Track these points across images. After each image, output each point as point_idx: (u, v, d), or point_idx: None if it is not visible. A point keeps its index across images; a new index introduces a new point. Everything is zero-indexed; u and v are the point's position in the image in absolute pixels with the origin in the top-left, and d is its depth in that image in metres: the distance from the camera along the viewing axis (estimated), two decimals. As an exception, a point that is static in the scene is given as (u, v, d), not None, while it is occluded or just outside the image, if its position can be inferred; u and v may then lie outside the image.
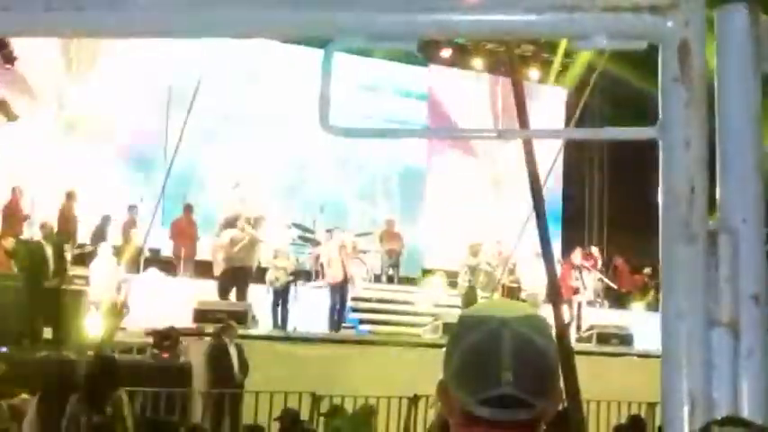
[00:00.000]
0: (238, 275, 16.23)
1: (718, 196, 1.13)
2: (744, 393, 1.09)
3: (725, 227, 1.09)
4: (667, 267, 1.08)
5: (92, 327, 14.28)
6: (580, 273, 19.50)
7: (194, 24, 1.22)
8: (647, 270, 21.41)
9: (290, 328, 16.19)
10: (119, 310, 14.91)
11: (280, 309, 16.32)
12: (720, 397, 1.07)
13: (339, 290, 16.85)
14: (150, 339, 14.04)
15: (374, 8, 1.16)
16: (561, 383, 1.67)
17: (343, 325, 17.33)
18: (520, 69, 7.19)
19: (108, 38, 1.26)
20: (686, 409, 1.06)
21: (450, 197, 23.64)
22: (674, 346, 1.07)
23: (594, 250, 21.50)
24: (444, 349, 1.67)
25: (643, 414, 14.37)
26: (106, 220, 17.68)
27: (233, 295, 16.23)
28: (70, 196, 17.14)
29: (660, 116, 1.11)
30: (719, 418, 1.11)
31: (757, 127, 1.13)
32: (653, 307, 20.54)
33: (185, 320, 14.71)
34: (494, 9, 1.16)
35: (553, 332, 1.75)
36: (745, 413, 1.09)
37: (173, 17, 1.20)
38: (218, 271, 16.68)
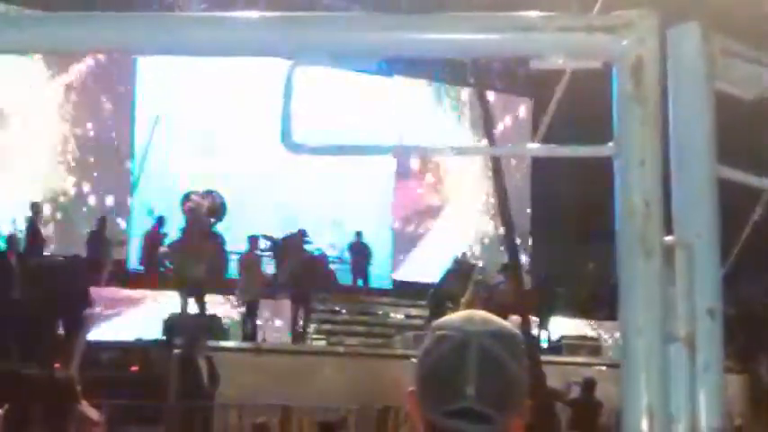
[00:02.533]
0: (194, 285, 15.87)
1: (673, 212, 1.15)
2: (702, 406, 1.11)
3: (680, 242, 1.10)
4: (625, 283, 1.10)
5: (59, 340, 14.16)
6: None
7: (154, 43, 1.23)
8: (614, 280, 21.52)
9: (259, 339, 16.13)
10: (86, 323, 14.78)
11: (249, 320, 16.25)
12: (678, 410, 1.09)
13: (302, 302, 16.74)
14: (119, 352, 13.95)
15: (336, 27, 1.17)
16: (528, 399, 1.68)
17: (313, 337, 17.30)
18: (486, 82, 7.24)
19: (72, 52, 1.27)
20: (645, 423, 1.08)
21: (417, 208, 23.71)
22: (632, 360, 1.09)
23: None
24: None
25: (612, 423, 14.47)
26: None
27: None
28: (36, 209, 16.94)
29: (615, 134, 1.13)
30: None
31: (710, 143, 1.15)
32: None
33: (154, 333, 14.62)
34: (451, 29, 1.17)
35: (524, 345, 1.76)
36: (703, 425, 1.11)
37: (130, 35, 1.21)
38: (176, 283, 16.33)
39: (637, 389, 1.11)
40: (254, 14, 1.22)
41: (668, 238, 1.14)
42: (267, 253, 17.73)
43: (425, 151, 1.54)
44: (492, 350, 1.62)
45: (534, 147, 1.23)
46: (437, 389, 1.63)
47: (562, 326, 19.52)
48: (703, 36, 1.16)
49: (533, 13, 1.17)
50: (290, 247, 17.45)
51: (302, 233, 17.68)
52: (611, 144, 1.15)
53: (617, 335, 16.88)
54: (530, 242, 23.27)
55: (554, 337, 18.64)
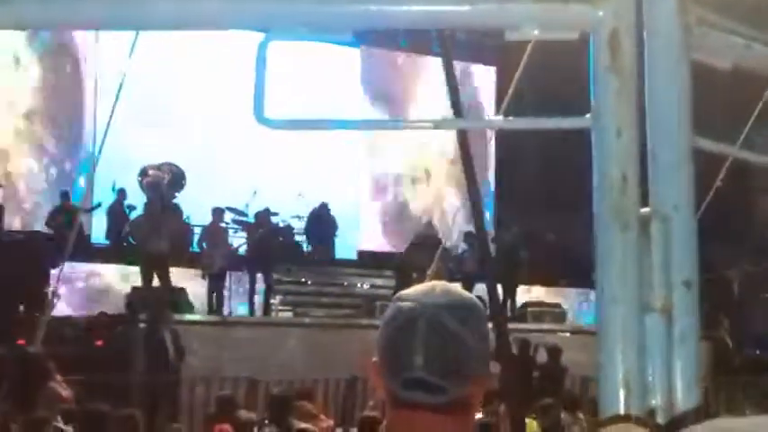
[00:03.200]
0: (156, 259, 15.62)
1: (649, 184, 1.15)
2: (677, 376, 1.12)
3: (657, 214, 1.11)
4: (601, 254, 1.10)
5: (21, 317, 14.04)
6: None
7: (122, 17, 1.21)
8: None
9: (224, 312, 16.08)
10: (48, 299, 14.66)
11: (214, 293, 16.19)
12: (654, 380, 1.10)
13: (262, 273, 16.66)
14: (83, 327, 13.86)
15: (308, 1, 1.16)
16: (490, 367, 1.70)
17: (279, 308, 17.26)
18: (451, 50, 7.21)
19: (32, 28, 1.23)
20: (622, 393, 1.09)
21: (383, 179, 23.69)
22: (609, 331, 1.09)
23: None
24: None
25: (577, 389, 14.64)
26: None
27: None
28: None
29: (592, 105, 1.13)
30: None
31: (687, 114, 1.15)
32: (587, 284, 20.87)
33: (118, 307, 14.54)
34: (425, 0, 1.16)
35: (484, 315, 1.78)
36: (679, 395, 1.12)
37: (99, 8, 1.18)
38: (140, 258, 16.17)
39: (613, 358, 1.12)
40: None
41: (644, 210, 1.14)
42: (233, 225, 17.64)
43: (398, 125, 1.53)
44: (442, 320, 1.64)
45: (511, 120, 1.22)
46: (392, 359, 1.66)
47: (526, 293, 19.67)
48: (679, 6, 1.15)
49: (508, -16, 1.16)
50: (258, 219, 17.39)
51: (268, 211, 17.63)
52: (587, 116, 1.14)
53: (579, 301, 17.09)
54: (493, 211, 23.31)
55: (518, 305, 18.76)
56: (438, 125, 1.63)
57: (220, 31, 1.24)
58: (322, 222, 20.38)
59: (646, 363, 1.12)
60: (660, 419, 1.12)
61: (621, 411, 1.10)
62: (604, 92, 1.13)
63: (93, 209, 17.65)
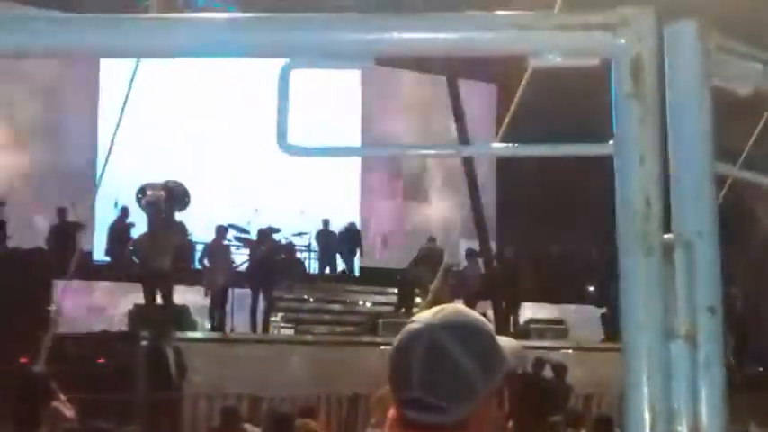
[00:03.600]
0: (158, 276, 15.66)
1: (672, 209, 1.16)
2: (702, 403, 1.12)
3: (680, 240, 1.11)
4: (625, 280, 1.10)
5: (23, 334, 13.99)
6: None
7: (136, 45, 1.21)
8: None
9: (226, 329, 16.06)
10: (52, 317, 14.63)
11: (216, 310, 16.17)
12: (680, 407, 1.10)
13: (263, 290, 16.62)
14: (85, 344, 13.84)
15: (329, 28, 1.17)
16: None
17: (281, 326, 17.24)
18: (455, 70, 7.23)
19: (43, 56, 1.24)
20: (647, 420, 1.09)
21: (382, 194, 23.72)
22: (634, 358, 1.09)
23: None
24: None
25: (580, 406, 14.61)
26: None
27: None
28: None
29: (614, 132, 1.13)
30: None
31: (709, 141, 1.16)
32: (586, 301, 20.85)
33: (121, 324, 14.53)
34: (447, 27, 1.17)
35: (493, 336, 1.78)
36: (704, 421, 1.12)
37: (114, 38, 1.19)
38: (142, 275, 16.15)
39: (639, 384, 1.12)
40: (245, 15, 1.20)
41: (668, 236, 1.15)
42: (236, 243, 17.66)
43: (421, 151, 1.53)
44: (441, 341, 1.66)
45: (532, 147, 1.22)
46: (395, 379, 1.70)
47: (529, 310, 19.64)
48: (700, 33, 1.16)
49: (530, 12, 1.17)
50: (260, 236, 17.40)
51: (271, 229, 17.64)
52: (610, 143, 1.15)
53: (582, 317, 17.06)
54: (495, 228, 23.33)
55: (521, 321, 18.73)
56: (460, 152, 1.64)
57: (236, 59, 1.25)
58: (325, 239, 20.41)
59: (671, 388, 1.12)
60: (685, 445, 1.12)
61: (648, 438, 1.10)
62: (627, 119, 1.14)
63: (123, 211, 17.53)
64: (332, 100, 21.91)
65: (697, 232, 1.13)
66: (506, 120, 7.73)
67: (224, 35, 1.17)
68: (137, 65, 7.94)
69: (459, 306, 1.85)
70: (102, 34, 1.19)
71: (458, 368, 1.66)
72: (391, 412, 1.76)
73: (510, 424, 9.62)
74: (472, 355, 1.67)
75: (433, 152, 1.42)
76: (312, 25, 1.17)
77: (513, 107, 7.46)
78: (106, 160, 9.46)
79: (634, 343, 1.11)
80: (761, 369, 18.42)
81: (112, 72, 18.98)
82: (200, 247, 17.48)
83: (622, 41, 1.13)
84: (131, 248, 16.12)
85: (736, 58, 1.22)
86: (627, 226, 1.12)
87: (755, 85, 1.24)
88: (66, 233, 16.88)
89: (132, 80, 8.11)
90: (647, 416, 1.09)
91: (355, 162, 23.14)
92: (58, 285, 15.21)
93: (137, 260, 15.77)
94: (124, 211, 17.97)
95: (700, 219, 1.13)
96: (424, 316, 1.77)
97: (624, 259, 1.12)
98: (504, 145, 1.59)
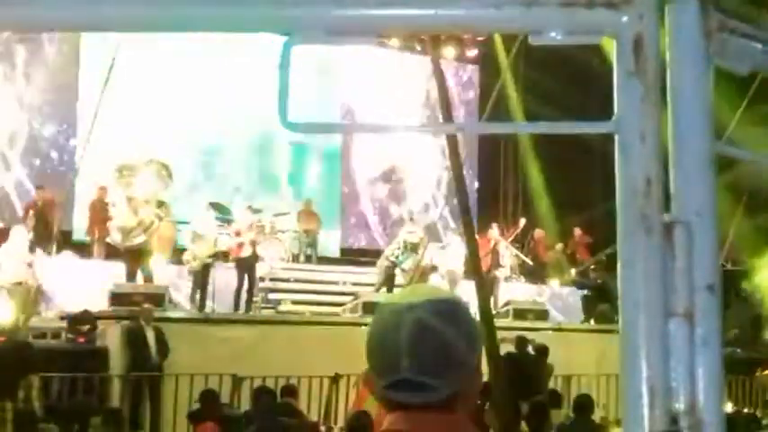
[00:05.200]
0: (138, 254, 15.60)
1: (672, 189, 1.16)
2: (700, 380, 1.13)
3: (680, 219, 1.11)
4: (625, 259, 1.10)
5: (3, 312, 13.94)
6: (496, 247, 19.72)
7: (137, 19, 1.20)
8: (559, 246, 21.78)
9: (207, 309, 16.03)
10: (33, 295, 14.57)
11: (198, 290, 16.13)
12: (678, 384, 1.11)
13: (247, 269, 16.59)
14: (65, 323, 13.79)
15: (332, 4, 1.15)
16: (477, 364, 1.71)
17: (262, 305, 17.22)
18: (438, 52, 7.21)
19: (42, 31, 1.22)
20: (645, 397, 1.09)
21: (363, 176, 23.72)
22: (632, 335, 1.10)
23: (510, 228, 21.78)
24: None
25: (559, 387, 14.70)
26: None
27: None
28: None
29: (615, 110, 1.13)
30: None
31: (709, 120, 1.16)
32: (567, 283, 20.96)
33: (101, 304, 14.46)
34: (451, 4, 1.16)
35: (471, 312, 1.79)
36: (701, 399, 1.13)
37: (111, 11, 1.17)
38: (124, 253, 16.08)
39: (637, 363, 1.12)
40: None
41: (667, 216, 1.15)
42: (219, 221, 17.59)
43: (421, 129, 1.52)
44: (424, 319, 1.66)
45: (532, 124, 1.21)
46: (380, 362, 1.68)
47: (509, 291, 19.72)
48: (701, 12, 1.16)
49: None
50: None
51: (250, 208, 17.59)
52: (611, 121, 1.15)
53: (560, 299, 17.12)
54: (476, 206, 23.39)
55: (501, 303, 18.79)
56: (462, 129, 1.63)
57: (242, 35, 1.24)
58: (304, 220, 20.38)
59: (669, 367, 1.12)
60: (683, 423, 1.12)
61: (646, 415, 1.11)
62: (629, 97, 1.14)
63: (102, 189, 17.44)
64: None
65: (696, 212, 1.13)
66: (491, 99, 7.71)
67: (225, 9, 1.16)
68: (111, 66, 7.74)
69: (432, 285, 1.86)
70: (87, 6, 1.17)
71: (447, 346, 1.66)
72: (361, 391, 1.77)
73: (487, 404, 9.66)
74: (458, 331, 1.68)
75: (430, 129, 1.41)
76: (315, 0, 1.16)
77: (495, 88, 7.46)
78: (88, 136, 9.38)
79: (633, 321, 1.11)
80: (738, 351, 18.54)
81: (94, 51, 18.87)
82: (180, 226, 17.41)
83: (624, 19, 1.13)
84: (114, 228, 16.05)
85: (736, 38, 1.22)
86: (627, 205, 1.12)
87: (754, 65, 1.25)
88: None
89: (114, 59, 7.98)
90: (645, 394, 1.10)
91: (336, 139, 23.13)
92: (40, 263, 15.19)
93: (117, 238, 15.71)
94: (102, 190, 17.83)
95: (699, 198, 1.14)
96: (398, 297, 1.77)
97: (624, 238, 1.13)
98: (505, 123, 1.58)
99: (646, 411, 1.11)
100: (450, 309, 1.70)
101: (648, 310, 1.12)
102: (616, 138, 1.14)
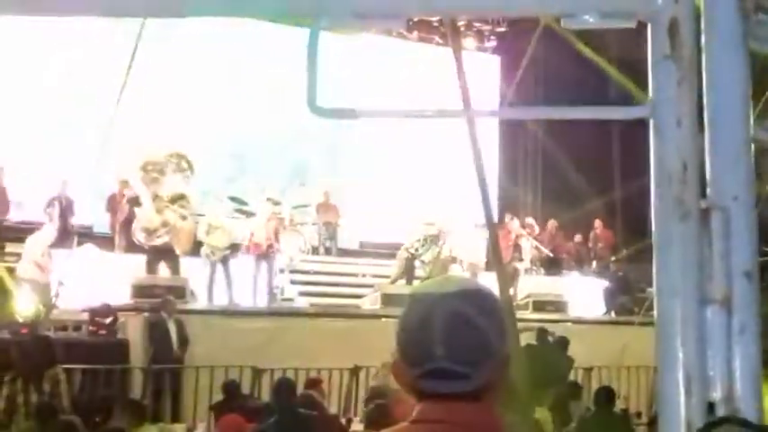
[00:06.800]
0: (163, 252, 15.74)
1: (708, 174, 1.14)
2: (737, 369, 1.11)
3: (717, 204, 1.09)
4: (661, 245, 1.08)
5: (25, 305, 14.01)
6: (517, 241, 19.66)
7: (164, 3, 1.19)
8: (578, 238, 21.69)
9: (227, 301, 16.04)
10: (54, 289, 14.64)
11: (217, 283, 16.14)
12: (715, 373, 1.09)
13: (265, 261, 16.60)
14: (87, 316, 13.84)
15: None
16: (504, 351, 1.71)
17: (282, 297, 17.23)
18: (458, 41, 7.17)
19: (64, 16, 1.21)
20: (682, 385, 1.07)
21: (386, 170, 23.67)
22: (668, 323, 1.08)
23: (530, 219, 21.69)
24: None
25: (580, 379, 14.64)
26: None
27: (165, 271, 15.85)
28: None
29: (651, 95, 1.11)
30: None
31: (746, 104, 1.14)
32: (587, 273, 20.87)
33: (122, 297, 14.51)
34: (483, -12, 1.14)
35: (498, 302, 1.79)
36: (738, 388, 1.10)
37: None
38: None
39: (673, 351, 1.10)
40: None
41: (704, 201, 1.13)
42: (237, 215, 17.61)
43: (450, 114, 1.51)
44: (459, 309, 1.68)
45: (566, 109, 1.20)
46: (413, 352, 1.69)
47: (528, 283, 19.64)
48: (738, -6, 1.14)
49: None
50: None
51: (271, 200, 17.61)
52: (647, 105, 1.13)
53: (580, 292, 17.01)
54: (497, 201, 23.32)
55: (520, 295, 18.72)
56: (494, 115, 1.60)
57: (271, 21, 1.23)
58: (323, 212, 20.38)
59: (706, 355, 1.10)
60: (720, 413, 1.10)
61: (682, 404, 1.09)
62: (665, 81, 1.12)
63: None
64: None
65: (733, 197, 1.12)
66: (512, 88, 7.66)
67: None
68: (132, 56, 7.67)
69: (461, 275, 1.87)
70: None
71: (479, 335, 1.68)
72: (405, 389, 1.76)
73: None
74: (490, 322, 1.70)
75: (459, 114, 1.39)
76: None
77: (517, 76, 7.41)
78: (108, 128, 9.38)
79: (669, 309, 1.10)
80: None
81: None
82: (199, 218, 17.43)
83: (659, 2, 1.11)
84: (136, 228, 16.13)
85: (772, 20, 1.19)
86: (663, 189, 1.10)
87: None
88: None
89: (131, 61, 7.90)
90: (681, 380, 1.08)
91: (354, 129, 23.07)
92: (60, 256, 15.27)
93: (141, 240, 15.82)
94: (123, 184, 17.88)
95: (736, 183, 1.12)
96: (428, 287, 1.77)
97: (659, 223, 1.11)
98: (540, 108, 1.57)
99: (682, 400, 1.09)
100: (482, 299, 1.72)
101: (685, 297, 1.10)
102: (651, 122, 1.12)
